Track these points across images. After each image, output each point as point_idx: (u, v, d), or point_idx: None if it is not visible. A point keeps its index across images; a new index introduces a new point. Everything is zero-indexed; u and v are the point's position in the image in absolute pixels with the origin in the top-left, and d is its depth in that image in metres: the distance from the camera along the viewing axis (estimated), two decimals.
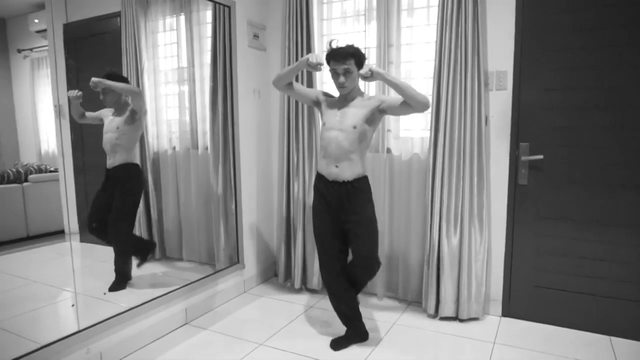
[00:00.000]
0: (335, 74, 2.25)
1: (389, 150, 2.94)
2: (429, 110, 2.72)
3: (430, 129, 2.69)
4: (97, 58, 3.20)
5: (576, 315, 2.57)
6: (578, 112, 2.48)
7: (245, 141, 3.15)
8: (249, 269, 3.23)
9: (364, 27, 2.96)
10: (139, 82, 3.18)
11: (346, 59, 2.19)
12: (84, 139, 3.26)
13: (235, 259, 3.15)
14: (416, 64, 2.84)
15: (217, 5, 2.95)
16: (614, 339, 2.48)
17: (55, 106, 3.22)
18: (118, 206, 2.66)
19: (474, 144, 2.60)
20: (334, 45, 2.23)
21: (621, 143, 2.41)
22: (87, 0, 2.98)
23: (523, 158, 2.59)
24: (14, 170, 2.81)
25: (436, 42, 2.63)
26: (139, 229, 3.27)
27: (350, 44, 2.23)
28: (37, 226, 2.80)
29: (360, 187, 2.30)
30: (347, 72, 2.21)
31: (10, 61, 3.02)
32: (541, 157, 2.55)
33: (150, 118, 3.27)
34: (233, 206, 3.16)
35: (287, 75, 2.35)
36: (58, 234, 3.21)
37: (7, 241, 2.57)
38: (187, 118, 3.36)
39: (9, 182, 2.75)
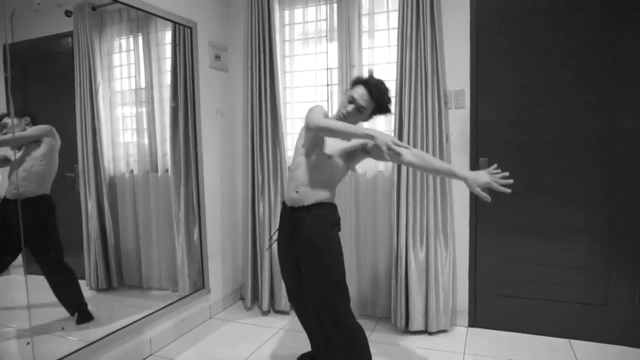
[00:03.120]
0: (349, 99, 2.03)
1: (353, 169, 2.98)
2: (392, 128, 2.82)
3: None
4: (49, 79, 3.08)
5: (538, 321, 2.69)
6: (531, 128, 2.64)
7: (208, 162, 3.10)
8: (214, 294, 3.14)
9: (326, 48, 3.03)
10: (92, 103, 3.07)
11: (372, 99, 2.00)
12: None
13: (200, 284, 3.05)
14: None
15: (177, 26, 2.92)
16: (573, 341, 2.61)
17: None
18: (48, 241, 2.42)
19: None
20: (374, 75, 2.06)
21: (572, 156, 2.58)
22: (35, 19, 2.86)
23: None
24: None
25: (397, 63, 2.72)
26: (95, 257, 3.12)
27: (389, 92, 2.06)
28: None
29: (318, 213, 2.00)
30: (359, 109, 2.01)
31: None
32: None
33: (105, 141, 3.15)
34: (196, 229, 3.09)
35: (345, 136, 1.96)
36: None
37: None
38: (146, 140, 3.27)
39: None
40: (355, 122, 2.05)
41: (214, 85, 3.16)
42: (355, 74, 2.92)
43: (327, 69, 3.02)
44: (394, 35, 2.83)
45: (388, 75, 2.88)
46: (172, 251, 3.13)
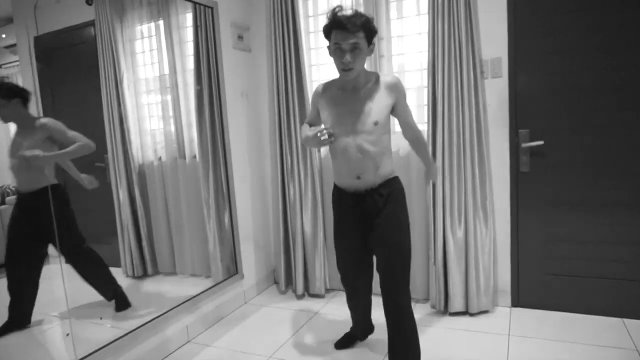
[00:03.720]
0: (339, 51, 1.73)
1: None
2: (425, 102, 2.68)
3: (428, 122, 2.63)
4: (73, 70, 3.07)
5: (587, 300, 2.54)
6: (576, 95, 2.45)
7: (235, 146, 3.04)
8: (248, 279, 3.12)
9: None
10: (118, 92, 3.05)
11: (356, 30, 1.68)
12: None
13: (233, 270, 3.03)
14: (408, 56, 2.78)
15: (197, 7, 2.84)
16: (627, 320, 2.46)
17: None
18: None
19: (473, 135, 2.55)
20: (339, 13, 1.72)
21: (621, 124, 2.39)
22: (57, 10, 2.85)
23: (523, 145, 2.55)
24: None
25: (428, 33, 2.57)
26: (129, 245, 3.14)
27: (359, 11, 1.76)
28: None
29: (390, 192, 1.88)
30: (355, 49, 1.70)
31: None
32: (542, 142, 2.51)
33: (132, 129, 3.14)
34: (227, 214, 3.05)
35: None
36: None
37: None
38: (172, 126, 3.24)
39: None
40: (362, 65, 1.79)
41: (238, 66, 3.08)
42: (384, 46, 2.78)
43: None
44: (424, 2, 2.67)
45: (419, 47, 2.74)
46: (203, 237, 3.11)
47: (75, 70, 3.08)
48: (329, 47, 1.82)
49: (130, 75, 3.15)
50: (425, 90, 2.67)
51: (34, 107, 2.80)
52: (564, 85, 2.47)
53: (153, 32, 3.22)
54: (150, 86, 3.25)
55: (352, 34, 1.68)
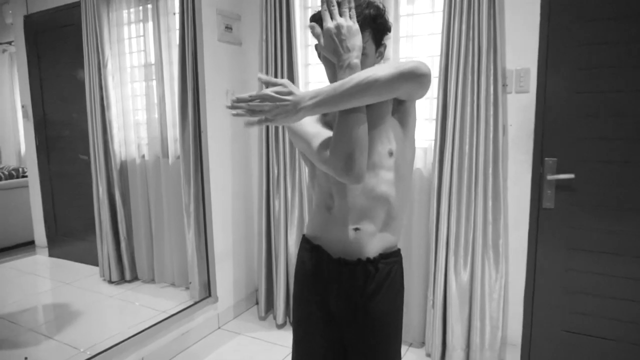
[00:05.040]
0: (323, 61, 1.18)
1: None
2: (434, 117, 2.27)
3: (435, 140, 2.22)
4: (60, 52, 2.85)
5: None
6: (618, 121, 2.00)
7: (217, 151, 2.69)
8: (224, 301, 2.78)
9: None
10: (101, 80, 2.78)
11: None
12: (48, 142, 2.89)
13: (207, 291, 2.70)
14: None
15: None
16: None
17: (22, 106, 2.85)
18: None
19: (488, 159, 2.12)
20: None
21: None
22: None
23: (549, 177, 2.11)
24: None
25: (442, 33, 2.14)
26: (107, 247, 2.91)
27: None
28: (6, 237, 2.62)
29: (389, 274, 1.23)
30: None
31: None
32: (572, 176, 2.07)
33: (116, 122, 2.87)
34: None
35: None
36: (27, 245, 2.88)
37: None
38: (157, 122, 2.94)
39: None
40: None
41: (225, 61, 2.71)
42: (390, 47, 2.36)
43: None
44: None
45: (431, 50, 2.31)
46: (183, 247, 2.82)
47: (62, 53, 2.88)
48: (317, 48, 1.16)
49: (115, 62, 2.88)
50: (435, 102, 2.25)
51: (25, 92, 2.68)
52: (604, 108, 2.01)
53: (141, 18, 2.93)
54: (136, 77, 2.97)
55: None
